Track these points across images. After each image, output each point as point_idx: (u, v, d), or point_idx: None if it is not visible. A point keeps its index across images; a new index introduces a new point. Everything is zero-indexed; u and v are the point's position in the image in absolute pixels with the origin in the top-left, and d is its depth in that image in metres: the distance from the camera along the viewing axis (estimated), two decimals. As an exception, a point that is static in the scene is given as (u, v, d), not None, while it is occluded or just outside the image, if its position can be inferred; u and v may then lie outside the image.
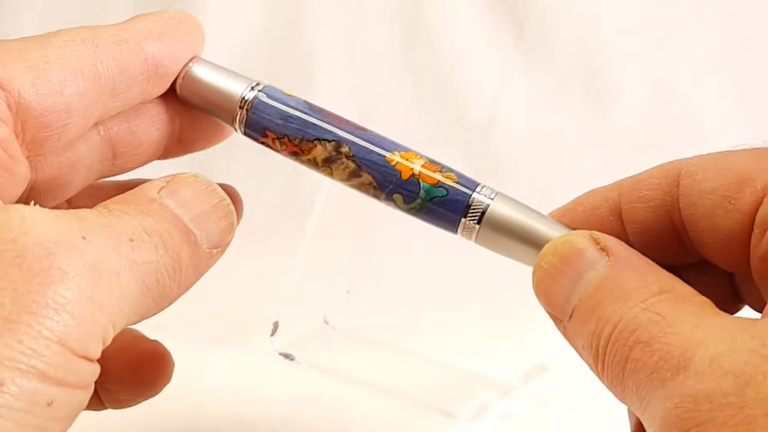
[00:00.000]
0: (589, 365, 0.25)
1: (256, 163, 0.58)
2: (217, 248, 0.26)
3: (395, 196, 0.29)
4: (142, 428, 0.38)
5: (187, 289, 0.25)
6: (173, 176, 0.26)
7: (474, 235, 0.28)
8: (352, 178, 0.29)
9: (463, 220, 0.28)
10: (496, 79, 0.63)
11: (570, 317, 0.25)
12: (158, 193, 0.25)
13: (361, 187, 0.29)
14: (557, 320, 0.25)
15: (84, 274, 0.22)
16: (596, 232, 0.25)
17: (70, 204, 0.32)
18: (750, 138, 0.28)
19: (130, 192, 0.25)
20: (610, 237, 0.25)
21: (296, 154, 0.30)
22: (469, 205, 0.28)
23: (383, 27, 0.63)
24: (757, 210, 0.25)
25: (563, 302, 0.25)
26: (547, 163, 0.61)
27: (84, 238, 0.22)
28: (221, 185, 0.34)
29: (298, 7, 0.63)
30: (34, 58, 0.27)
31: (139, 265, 0.23)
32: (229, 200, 0.27)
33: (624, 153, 0.61)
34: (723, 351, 0.21)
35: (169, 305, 0.25)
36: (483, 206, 0.28)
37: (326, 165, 0.29)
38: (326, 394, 0.43)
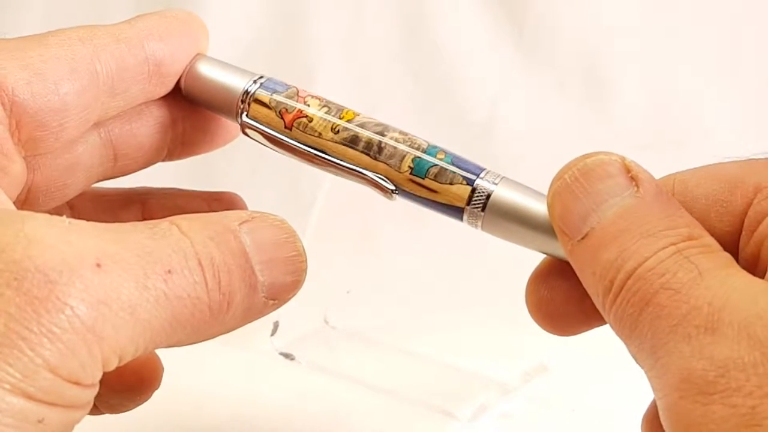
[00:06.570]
0: (592, 293, 0.24)
1: (256, 165, 0.58)
2: (274, 300, 0.25)
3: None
4: (142, 428, 0.38)
5: (231, 331, 0.24)
6: (260, 214, 0.25)
7: (480, 223, 0.28)
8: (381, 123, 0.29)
9: (467, 207, 0.28)
10: (496, 79, 0.63)
11: (583, 238, 0.24)
12: (239, 225, 0.24)
13: (389, 127, 0.29)
14: (565, 237, 0.25)
15: (85, 306, 0.21)
16: (629, 159, 0.25)
17: (72, 208, 0.32)
18: (750, 138, 0.28)
19: (211, 214, 0.24)
20: (644, 169, 0.25)
21: (324, 99, 0.30)
22: (474, 189, 0.28)
23: (383, 26, 0.63)
24: (747, 212, 0.25)
25: (579, 221, 0.24)
26: (547, 163, 0.60)
27: (99, 265, 0.21)
28: (225, 192, 0.34)
29: (299, 7, 0.63)
30: (29, 57, 0.27)
31: (170, 299, 0.22)
32: (305, 258, 0.25)
33: (624, 153, 0.60)
34: (749, 315, 0.21)
35: (207, 340, 0.24)
36: (487, 192, 0.28)
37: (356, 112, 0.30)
38: (326, 394, 0.43)
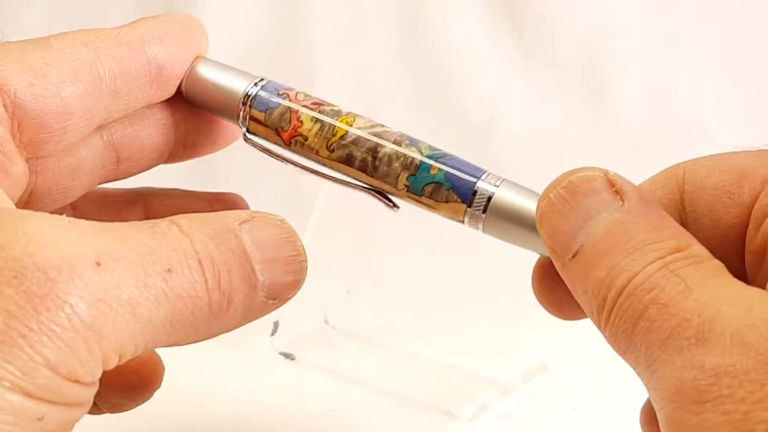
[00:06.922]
0: (587, 310, 0.24)
1: (257, 166, 0.58)
2: (274, 300, 0.25)
3: (422, 145, 0.29)
4: (142, 428, 0.38)
5: (230, 330, 0.24)
6: (260, 214, 0.25)
7: (481, 225, 0.28)
8: (377, 125, 0.29)
9: (468, 209, 0.28)
10: (496, 79, 0.63)
11: (573, 256, 0.24)
12: (239, 224, 0.24)
13: (384, 136, 0.29)
14: (557, 255, 0.25)
15: (85, 304, 0.21)
16: (612, 173, 0.25)
17: (75, 208, 0.32)
18: (750, 138, 0.28)
19: (212, 214, 0.24)
20: (627, 181, 0.25)
21: (319, 103, 0.30)
22: (475, 192, 0.28)
23: (383, 27, 0.63)
24: (754, 205, 0.25)
25: (568, 239, 0.24)
26: (547, 163, 0.61)
27: (99, 264, 0.21)
28: (227, 193, 0.34)
29: (298, 7, 0.63)
30: (32, 60, 0.27)
31: (169, 298, 0.22)
32: (305, 258, 0.25)
33: (624, 153, 0.60)
34: (742, 325, 0.21)
35: (206, 339, 0.24)
36: (488, 194, 0.28)
37: (351, 113, 0.29)
38: (326, 394, 0.43)
